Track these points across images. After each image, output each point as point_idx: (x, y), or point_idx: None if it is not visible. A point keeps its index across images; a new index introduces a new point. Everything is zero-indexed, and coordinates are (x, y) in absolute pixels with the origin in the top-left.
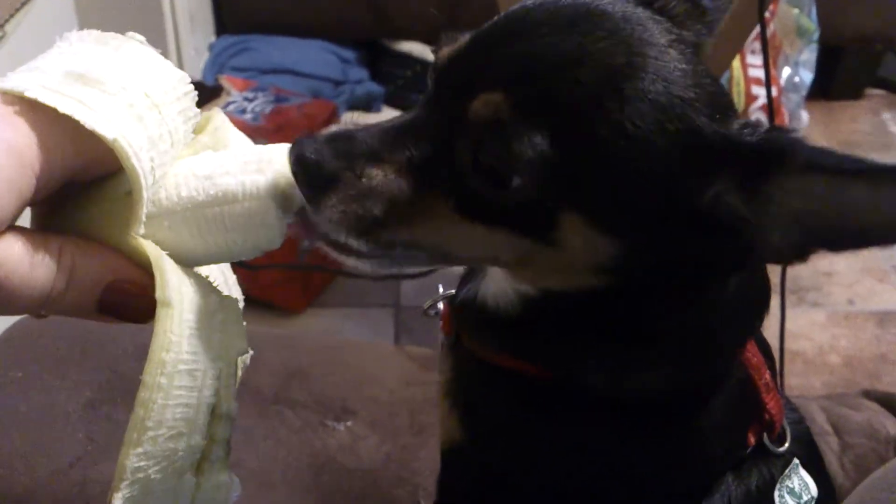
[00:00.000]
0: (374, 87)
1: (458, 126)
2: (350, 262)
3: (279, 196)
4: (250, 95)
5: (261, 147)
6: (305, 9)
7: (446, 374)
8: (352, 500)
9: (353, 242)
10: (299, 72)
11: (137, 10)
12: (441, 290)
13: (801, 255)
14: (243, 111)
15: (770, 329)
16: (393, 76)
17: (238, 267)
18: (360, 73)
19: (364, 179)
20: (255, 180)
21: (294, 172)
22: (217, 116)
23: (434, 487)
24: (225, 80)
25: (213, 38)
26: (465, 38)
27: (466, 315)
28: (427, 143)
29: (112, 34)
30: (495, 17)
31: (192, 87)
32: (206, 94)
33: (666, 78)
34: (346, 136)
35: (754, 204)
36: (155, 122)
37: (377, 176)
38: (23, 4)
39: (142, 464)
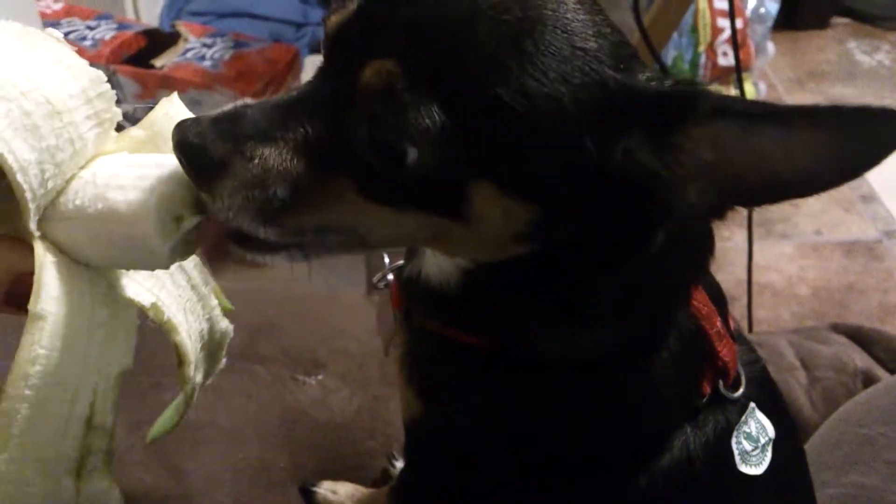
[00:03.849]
0: None
1: (350, 99)
2: (262, 259)
3: (161, 222)
4: (209, 41)
5: (164, 158)
6: None
7: (402, 349)
8: (325, 453)
9: (260, 231)
10: (258, 15)
11: None
12: (387, 261)
13: (719, 211)
14: (202, 58)
15: (738, 262)
16: None
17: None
18: (321, 14)
19: (257, 161)
20: (141, 201)
21: (178, 159)
22: (162, 104)
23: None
24: (182, 26)
25: None
26: (353, 3)
27: (412, 291)
28: (321, 120)
29: (31, 30)
30: None
31: (108, 86)
32: (164, 41)
33: (565, 29)
34: (233, 116)
35: (665, 157)
36: (53, 131)
37: (271, 157)
38: None
39: (11, 467)
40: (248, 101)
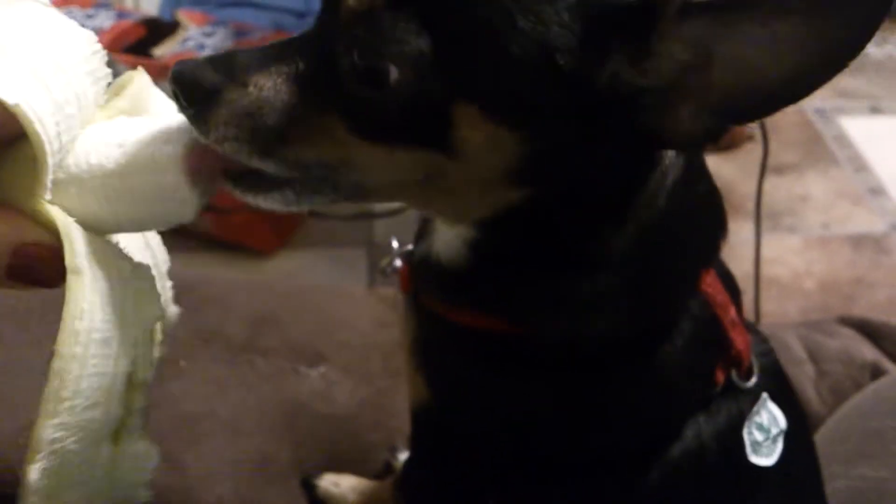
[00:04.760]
0: None
1: (336, 29)
2: (255, 199)
3: (190, 168)
4: (209, 31)
5: (178, 115)
6: None
7: (410, 334)
8: (327, 446)
9: (254, 162)
10: (259, 4)
11: None
12: (395, 245)
13: (714, 130)
14: (202, 47)
15: (745, 256)
16: None
17: (207, 211)
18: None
19: (251, 89)
20: (166, 151)
21: (173, 93)
22: (138, 78)
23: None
24: (182, 15)
25: None
26: None
27: (422, 272)
28: (311, 55)
29: None
30: None
31: (99, 46)
32: (163, 30)
33: None
34: (228, 54)
35: (645, 68)
36: (60, 86)
37: (264, 86)
38: None
39: (59, 434)
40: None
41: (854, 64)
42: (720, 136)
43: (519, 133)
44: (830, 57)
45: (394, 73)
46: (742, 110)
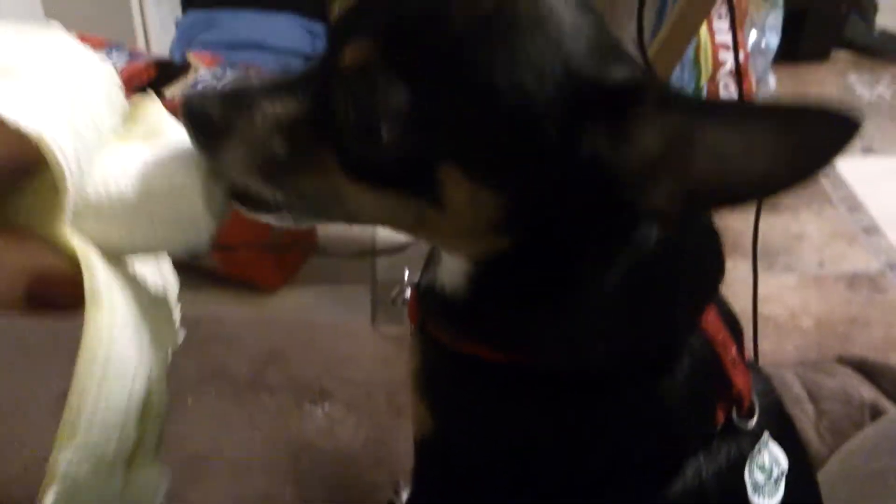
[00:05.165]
0: None
1: (335, 77)
2: (265, 218)
3: (207, 194)
4: (219, 72)
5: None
6: None
7: (415, 364)
8: (331, 484)
9: (263, 190)
10: (268, 46)
11: None
12: (407, 276)
13: (689, 212)
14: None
15: (742, 294)
16: None
17: (212, 247)
18: None
19: (258, 122)
20: (183, 176)
21: (184, 124)
22: (150, 104)
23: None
24: (193, 57)
25: (179, 14)
26: None
27: (428, 301)
28: (314, 96)
29: (33, 26)
30: None
31: (116, 76)
32: (174, 71)
33: (539, 20)
34: (237, 87)
35: (620, 149)
36: (79, 113)
37: (271, 119)
38: None
39: (75, 460)
40: (253, 76)
41: (846, 104)
42: (698, 215)
43: (502, 194)
44: (799, 169)
45: (385, 131)
46: (713, 201)
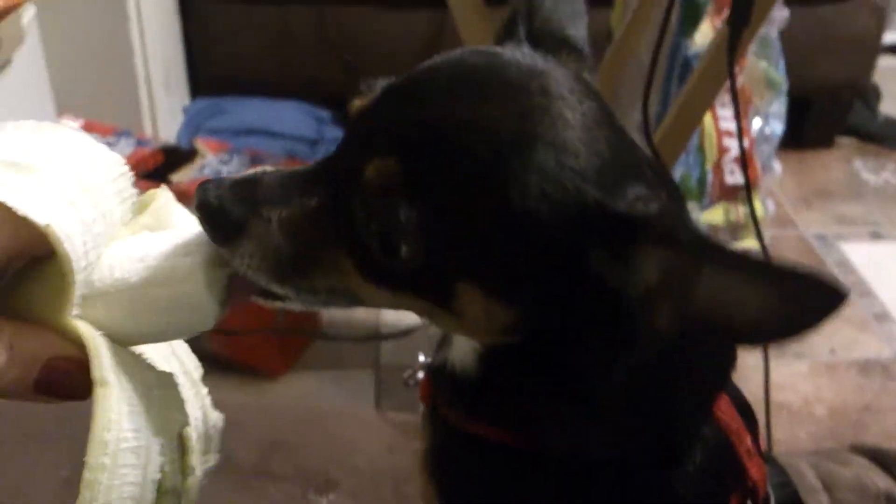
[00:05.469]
0: None
1: (355, 185)
2: (278, 305)
3: (208, 278)
4: (225, 158)
5: (196, 228)
6: (279, 69)
7: (425, 445)
8: None
9: (276, 288)
10: (274, 132)
11: (111, 73)
12: (421, 358)
13: (686, 330)
14: (219, 174)
15: (754, 381)
16: None
17: (216, 332)
18: (335, 131)
19: (273, 224)
20: (186, 263)
21: (199, 219)
22: (161, 195)
23: None
24: (199, 143)
25: (187, 101)
26: (378, 89)
27: (439, 382)
28: (331, 196)
29: (47, 123)
30: (409, 71)
31: (126, 168)
32: (181, 157)
33: (556, 146)
34: (252, 181)
35: (621, 275)
36: (88, 206)
37: (285, 220)
38: None
39: None
40: (267, 168)
41: (853, 191)
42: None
43: (516, 307)
44: (786, 327)
45: (404, 250)
46: (712, 330)
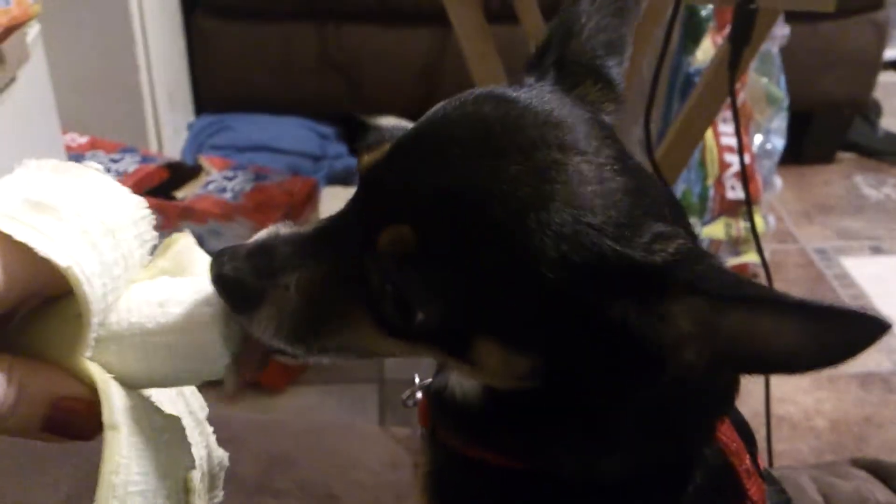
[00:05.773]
0: (354, 162)
1: (370, 248)
2: (289, 360)
3: (224, 329)
4: (230, 174)
5: None
6: (283, 86)
7: (424, 468)
8: None
9: (290, 349)
10: (278, 148)
11: (116, 90)
12: (418, 379)
13: (717, 374)
14: (223, 190)
15: (755, 394)
16: None
17: None
18: (339, 148)
19: (290, 292)
20: (205, 313)
21: (216, 290)
22: (182, 239)
23: None
24: (204, 160)
25: (192, 118)
26: (387, 144)
27: (438, 405)
28: (345, 259)
29: (71, 164)
30: (420, 120)
31: (148, 211)
32: (186, 173)
33: (573, 204)
34: (266, 250)
35: (652, 325)
36: (109, 248)
37: (302, 287)
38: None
39: None
40: (281, 228)
41: (853, 206)
42: (725, 376)
43: (532, 358)
44: (820, 358)
45: (420, 315)
46: (739, 368)
